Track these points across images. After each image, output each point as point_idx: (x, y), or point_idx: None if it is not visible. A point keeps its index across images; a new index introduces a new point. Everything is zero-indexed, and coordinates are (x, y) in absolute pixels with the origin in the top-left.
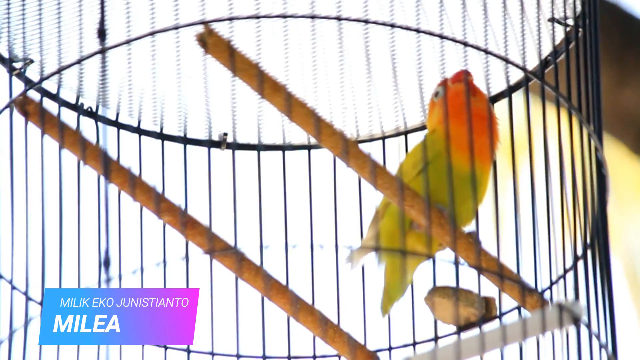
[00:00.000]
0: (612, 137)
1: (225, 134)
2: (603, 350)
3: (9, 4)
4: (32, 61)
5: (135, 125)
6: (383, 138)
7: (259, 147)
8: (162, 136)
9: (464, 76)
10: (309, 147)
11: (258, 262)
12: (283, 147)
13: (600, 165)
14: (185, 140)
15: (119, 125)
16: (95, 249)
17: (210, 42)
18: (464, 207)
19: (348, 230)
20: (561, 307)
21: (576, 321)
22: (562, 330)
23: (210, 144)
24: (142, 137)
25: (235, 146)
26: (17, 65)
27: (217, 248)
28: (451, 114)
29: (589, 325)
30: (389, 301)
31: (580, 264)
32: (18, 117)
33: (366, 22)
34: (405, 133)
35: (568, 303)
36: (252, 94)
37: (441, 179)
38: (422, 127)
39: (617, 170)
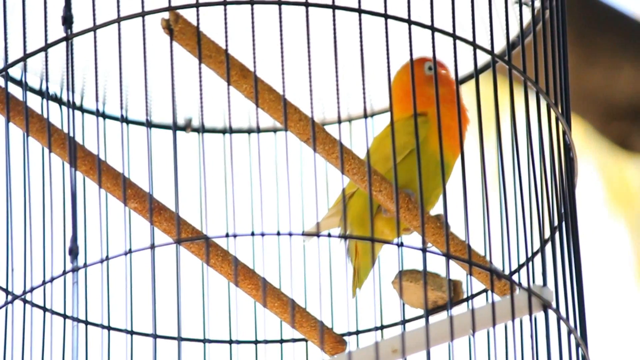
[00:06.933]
0: (577, 116)
1: (190, 118)
2: (572, 335)
3: None
4: None
5: (100, 109)
6: (350, 121)
7: (226, 131)
8: (126, 121)
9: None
10: (274, 130)
11: (224, 248)
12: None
13: (568, 149)
14: (149, 124)
15: (83, 110)
16: (62, 238)
17: (177, 29)
18: (434, 193)
19: (315, 214)
20: (530, 292)
21: (545, 306)
22: (530, 315)
23: (175, 127)
24: (107, 121)
25: (202, 130)
26: None
27: (184, 235)
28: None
29: (557, 310)
30: (359, 282)
31: (548, 247)
32: None
33: (334, 7)
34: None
35: (537, 288)
36: (219, 79)
37: (424, 164)
38: (389, 111)
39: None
